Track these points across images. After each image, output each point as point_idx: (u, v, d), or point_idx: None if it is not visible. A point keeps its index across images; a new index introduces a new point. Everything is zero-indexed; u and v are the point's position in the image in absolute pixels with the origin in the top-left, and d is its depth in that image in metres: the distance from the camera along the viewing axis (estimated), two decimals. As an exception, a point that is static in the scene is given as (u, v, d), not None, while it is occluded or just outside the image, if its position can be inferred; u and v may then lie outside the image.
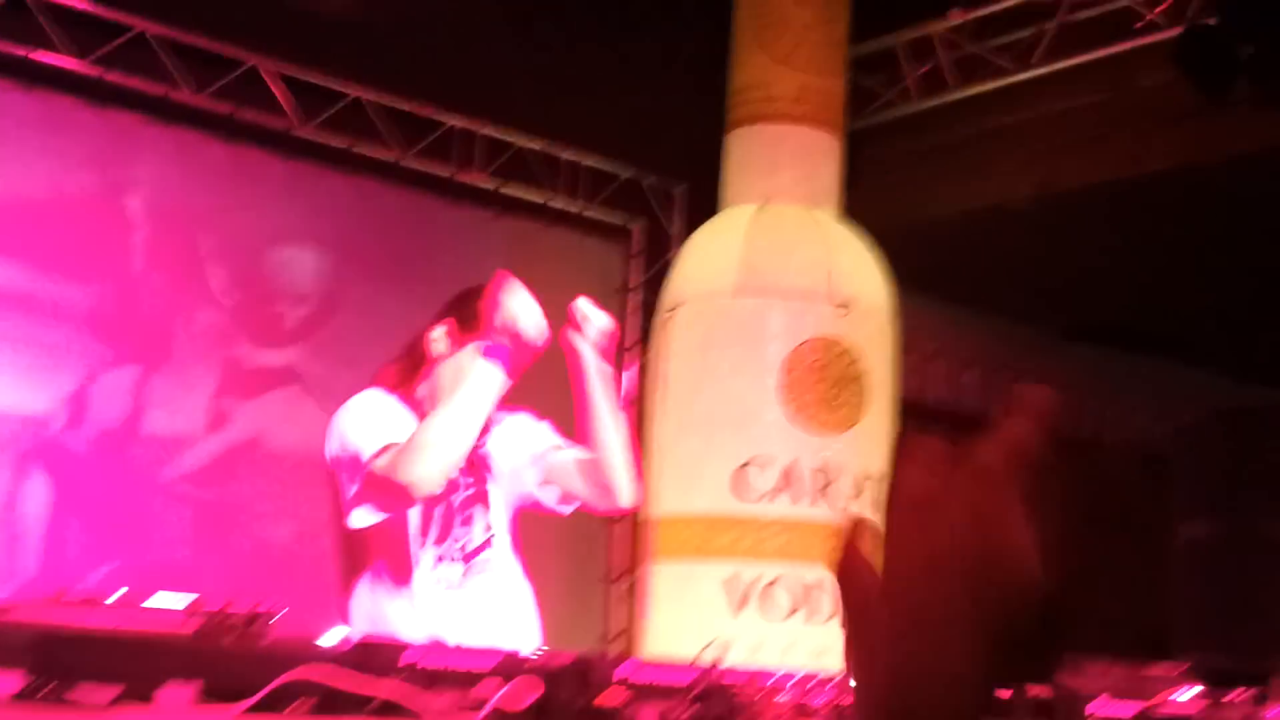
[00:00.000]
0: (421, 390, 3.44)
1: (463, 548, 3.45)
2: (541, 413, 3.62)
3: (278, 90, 7.38)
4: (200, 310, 7.26)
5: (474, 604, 3.42)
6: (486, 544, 3.49)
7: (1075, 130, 7.89)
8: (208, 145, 7.20)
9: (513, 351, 3.32)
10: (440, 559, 3.42)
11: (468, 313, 3.44)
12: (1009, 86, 7.93)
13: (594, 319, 3.39)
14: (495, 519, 3.51)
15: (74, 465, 6.90)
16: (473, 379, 3.30)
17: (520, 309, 3.34)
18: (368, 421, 3.33)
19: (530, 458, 3.56)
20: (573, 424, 3.49)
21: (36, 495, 6.80)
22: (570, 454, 3.55)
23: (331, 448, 3.35)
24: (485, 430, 3.41)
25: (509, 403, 3.48)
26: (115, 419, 7.01)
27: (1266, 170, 7.50)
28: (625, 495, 3.46)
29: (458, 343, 3.42)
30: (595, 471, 3.50)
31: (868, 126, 8.33)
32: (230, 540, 7.30)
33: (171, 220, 7.09)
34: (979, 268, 9.30)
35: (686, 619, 6.65)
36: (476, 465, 3.48)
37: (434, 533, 3.42)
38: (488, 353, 3.32)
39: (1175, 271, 9.14)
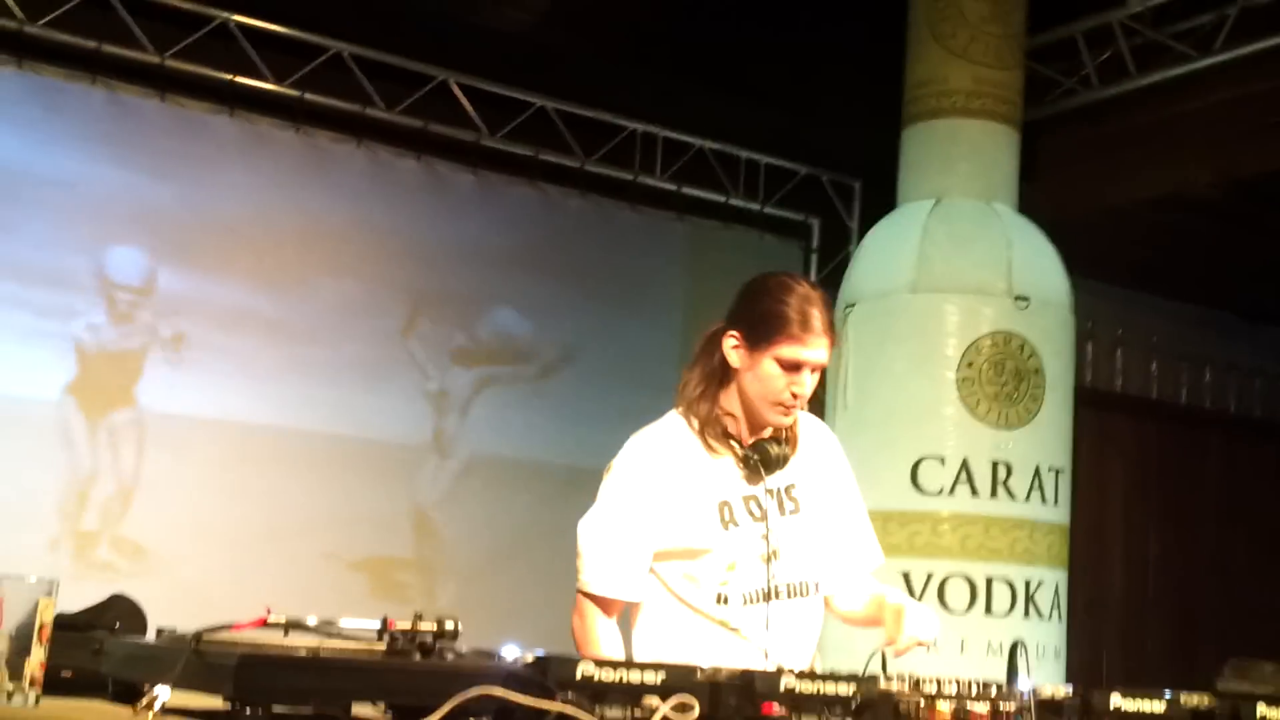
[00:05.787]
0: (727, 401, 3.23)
1: (766, 591, 3.21)
2: None
3: (466, 103, 7.65)
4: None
5: (774, 640, 3.21)
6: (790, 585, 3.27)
7: (1256, 117, 7.78)
8: (400, 159, 7.52)
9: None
10: (745, 593, 3.21)
11: (756, 321, 3.15)
12: (1190, 73, 7.84)
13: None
14: (797, 558, 3.29)
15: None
16: None
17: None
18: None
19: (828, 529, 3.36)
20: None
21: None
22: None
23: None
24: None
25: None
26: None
27: None
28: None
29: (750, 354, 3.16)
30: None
31: (1047, 115, 8.30)
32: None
33: (367, 233, 7.42)
34: (1160, 254, 9.19)
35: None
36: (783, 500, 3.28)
37: (743, 564, 3.21)
38: None
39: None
